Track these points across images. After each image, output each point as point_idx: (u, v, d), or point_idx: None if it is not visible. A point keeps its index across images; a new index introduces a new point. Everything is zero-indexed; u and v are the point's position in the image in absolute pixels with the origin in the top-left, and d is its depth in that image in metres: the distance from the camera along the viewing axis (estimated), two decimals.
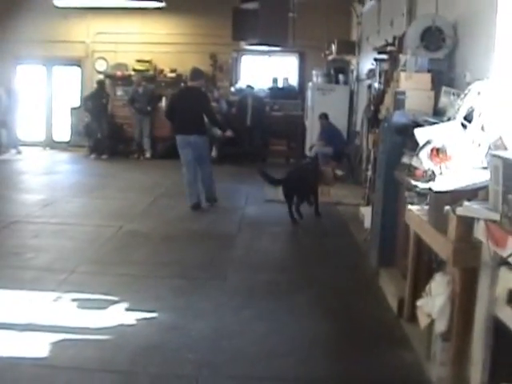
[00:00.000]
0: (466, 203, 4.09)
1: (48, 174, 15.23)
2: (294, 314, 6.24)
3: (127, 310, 6.07)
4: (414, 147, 5.68)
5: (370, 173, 9.99)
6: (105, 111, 17.75)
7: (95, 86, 18.10)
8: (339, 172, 11.68)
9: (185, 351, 5.19)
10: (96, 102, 17.52)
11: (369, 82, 12.64)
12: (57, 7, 18.25)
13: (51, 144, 19.91)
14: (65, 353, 5.10)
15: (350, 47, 16.27)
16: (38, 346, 5.15)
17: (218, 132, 14.73)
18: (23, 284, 6.67)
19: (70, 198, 11.93)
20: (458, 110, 5.41)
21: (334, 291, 6.98)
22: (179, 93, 12.46)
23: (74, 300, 6.25)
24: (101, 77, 18.68)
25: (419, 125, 6.11)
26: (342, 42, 16.41)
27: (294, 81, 19.32)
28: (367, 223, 9.31)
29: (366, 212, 9.60)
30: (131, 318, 5.85)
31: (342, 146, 14.78)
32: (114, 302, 6.20)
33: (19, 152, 18.19)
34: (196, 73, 11.85)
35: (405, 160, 6.33)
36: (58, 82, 20.28)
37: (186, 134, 11.27)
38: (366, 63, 14.05)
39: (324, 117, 15.15)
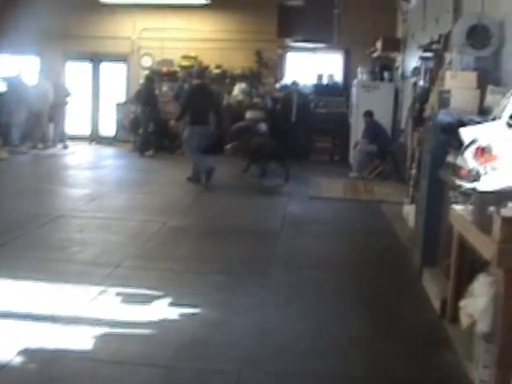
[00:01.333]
0: (511, 204, 4.06)
1: (94, 169, 15.40)
2: (335, 312, 6.23)
3: (170, 304, 6.11)
4: (459, 146, 5.66)
5: (414, 171, 9.94)
6: (153, 107, 17.82)
7: (142, 81, 18.19)
8: None
9: (227, 347, 5.21)
10: (145, 97, 17.60)
11: (414, 79, 12.58)
12: (103, 4, 18.51)
13: (97, 139, 20.14)
14: (108, 347, 5.15)
15: (396, 44, 16.19)
16: (81, 340, 5.21)
17: (262, 127, 15.18)
18: (68, 277, 6.75)
19: (115, 193, 12.06)
20: (504, 108, 5.37)
21: (376, 290, 6.96)
22: (194, 89, 13.81)
23: (118, 294, 6.31)
24: (148, 72, 18.79)
25: (464, 124, 6.08)
26: (387, 39, 16.31)
27: (338, 78, 19.25)
28: (411, 222, 9.27)
29: (410, 210, 9.56)
30: (174, 312, 5.90)
31: (386, 143, 14.70)
32: (158, 297, 6.25)
33: (66, 146, 18.42)
34: (201, 72, 14.58)
35: (449, 159, 6.31)
36: (104, 78, 20.48)
37: (201, 124, 13.07)
38: (411, 61, 13.98)
39: (369, 114, 15.08)
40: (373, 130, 14.84)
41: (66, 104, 18.69)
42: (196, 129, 13.07)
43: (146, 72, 18.91)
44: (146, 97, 17.54)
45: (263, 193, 12.42)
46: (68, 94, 18.68)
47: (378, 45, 16.40)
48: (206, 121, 13.27)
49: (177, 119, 14.06)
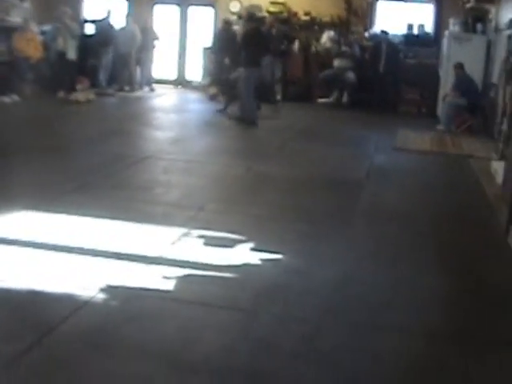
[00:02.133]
0: None
1: (179, 112, 15.48)
2: (417, 267, 6.11)
3: (253, 249, 6.10)
4: None
5: (505, 126, 9.69)
6: (235, 54, 17.56)
7: (221, 25, 17.96)
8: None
9: (307, 295, 5.18)
10: (224, 45, 17.35)
11: (508, 32, 12.20)
12: None
13: (183, 83, 20.17)
14: (189, 288, 5.18)
15: None
16: (163, 280, 5.26)
17: (350, 76, 15.05)
18: (152, 218, 6.82)
19: (199, 137, 12.12)
20: None
21: (460, 248, 6.82)
22: (249, 32, 13.99)
23: (201, 237, 6.33)
24: (225, 17, 18.41)
25: None
26: None
27: (429, 28, 18.80)
28: (499, 178, 9.06)
29: (499, 166, 9.33)
30: (256, 258, 5.90)
31: (476, 97, 14.35)
32: (240, 241, 6.26)
33: (152, 89, 18.53)
34: (252, 15, 14.77)
35: None
36: (191, 22, 20.43)
37: (256, 67, 13.41)
38: (506, 13, 13.54)
39: (459, 67, 14.71)
40: (463, 82, 14.49)
41: (153, 47, 18.77)
42: (252, 71, 13.32)
43: (229, 16, 18.63)
44: (225, 45, 17.15)
45: (344, 141, 12.36)
46: (156, 38, 18.74)
47: None
48: (259, 64, 13.59)
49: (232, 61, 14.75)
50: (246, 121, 13.23)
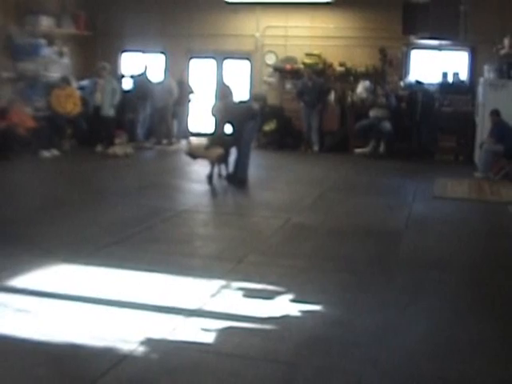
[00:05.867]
0: None
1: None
2: (460, 314, 6.07)
3: (293, 301, 6.09)
4: None
5: None
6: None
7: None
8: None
9: (348, 346, 5.14)
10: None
11: None
12: (227, 3, 18.76)
13: None
14: (229, 340, 5.17)
15: None
16: (203, 332, 5.26)
17: (387, 126, 14.99)
18: (191, 271, 6.84)
19: (237, 189, 12.09)
20: None
21: (503, 295, 6.73)
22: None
23: (240, 289, 6.34)
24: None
25: None
26: None
27: (464, 76, 18.79)
28: None
29: None
30: (296, 309, 5.88)
31: None
32: (280, 293, 6.25)
33: (190, 142, 18.62)
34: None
35: None
36: (228, 75, 20.59)
37: (250, 120, 12.62)
38: None
39: (495, 113, 14.65)
40: (500, 129, 14.42)
41: (189, 101, 18.96)
42: (248, 124, 12.60)
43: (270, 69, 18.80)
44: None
45: (382, 191, 12.33)
46: (191, 91, 18.92)
47: (506, 42, 15.91)
48: (248, 119, 12.75)
49: None
50: (241, 179, 12.37)
